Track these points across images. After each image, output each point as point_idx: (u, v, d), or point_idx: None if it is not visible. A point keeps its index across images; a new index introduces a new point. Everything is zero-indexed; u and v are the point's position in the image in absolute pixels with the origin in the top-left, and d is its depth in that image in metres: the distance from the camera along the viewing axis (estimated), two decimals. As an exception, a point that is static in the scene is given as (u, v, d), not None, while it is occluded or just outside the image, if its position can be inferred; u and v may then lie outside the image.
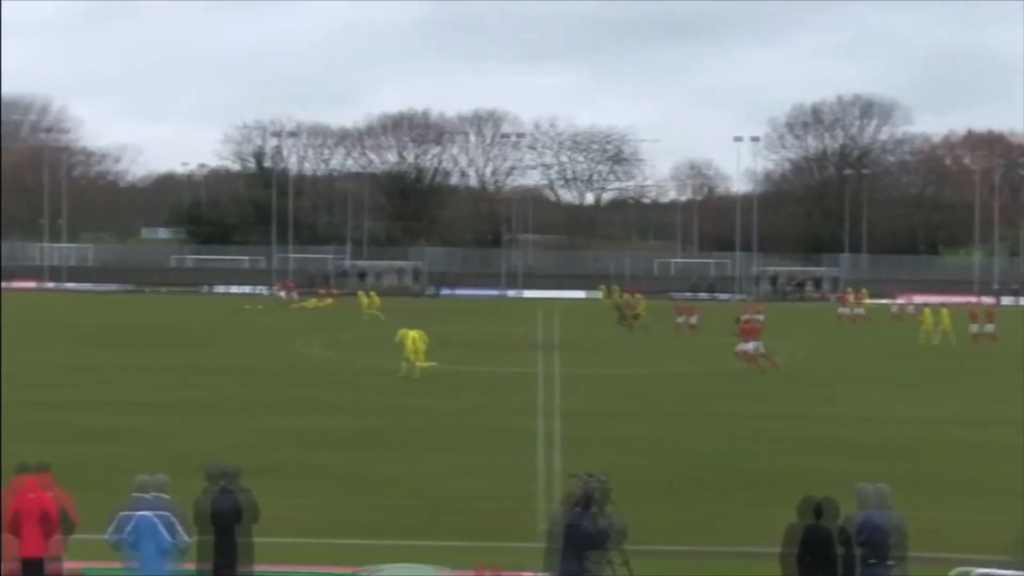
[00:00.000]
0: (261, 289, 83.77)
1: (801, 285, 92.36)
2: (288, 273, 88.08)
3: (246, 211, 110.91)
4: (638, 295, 59.38)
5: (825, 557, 9.87)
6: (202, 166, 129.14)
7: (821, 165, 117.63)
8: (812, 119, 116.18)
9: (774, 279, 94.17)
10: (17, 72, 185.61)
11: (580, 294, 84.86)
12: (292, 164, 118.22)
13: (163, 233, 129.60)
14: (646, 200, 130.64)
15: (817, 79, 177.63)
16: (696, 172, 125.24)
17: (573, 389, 29.04)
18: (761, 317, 44.13)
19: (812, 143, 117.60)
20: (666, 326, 48.05)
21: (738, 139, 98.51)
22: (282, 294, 65.18)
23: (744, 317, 40.59)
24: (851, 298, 60.53)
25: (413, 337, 31.43)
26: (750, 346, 34.56)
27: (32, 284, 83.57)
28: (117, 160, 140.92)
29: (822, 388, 30.29)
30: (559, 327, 51.07)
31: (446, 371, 32.49)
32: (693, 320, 47.94)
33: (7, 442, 20.10)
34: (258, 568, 11.19)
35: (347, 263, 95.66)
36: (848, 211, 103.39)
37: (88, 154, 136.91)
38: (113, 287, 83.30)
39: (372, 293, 60.41)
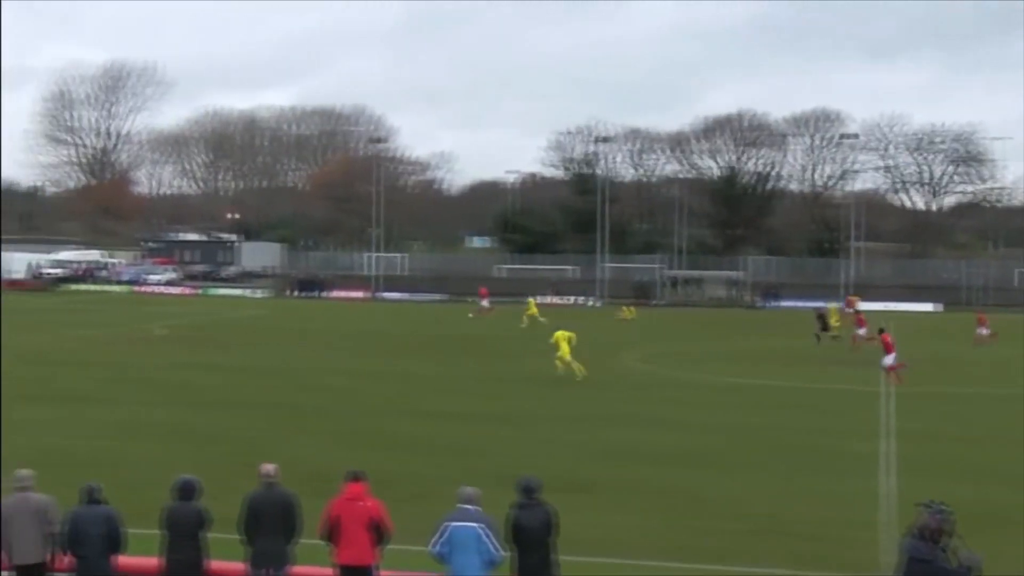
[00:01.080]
0: (589, 299, 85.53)
1: None
2: (604, 283, 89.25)
3: (566, 219, 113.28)
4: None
5: None
6: (525, 174, 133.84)
7: None
8: None
9: None
10: (348, 83, 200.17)
11: (925, 307, 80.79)
12: (612, 170, 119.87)
13: (481, 242, 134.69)
14: (996, 204, 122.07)
15: None
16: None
17: (912, 409, 27.65)
18: None
19: None
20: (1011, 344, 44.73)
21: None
22: (485, 303, 66.49)
23: None
24: None
25: (568, 337, 33.95)
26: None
27: (359, 294, 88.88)
28: (435, 169, 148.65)
29: None
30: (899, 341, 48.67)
31: (772, 387, 31.90)
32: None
33: (333, 450, 21.61)
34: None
35: (668, 272, 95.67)
36: None
37: (409, 163, 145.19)
38: (433, 297, 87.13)
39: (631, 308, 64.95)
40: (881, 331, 36.75)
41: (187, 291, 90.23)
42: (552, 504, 11.25)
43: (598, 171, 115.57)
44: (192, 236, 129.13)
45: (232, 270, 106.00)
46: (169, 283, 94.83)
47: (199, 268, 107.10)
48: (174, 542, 11.15)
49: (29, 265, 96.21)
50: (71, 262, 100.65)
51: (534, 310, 58.84)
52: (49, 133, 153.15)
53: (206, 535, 11.22)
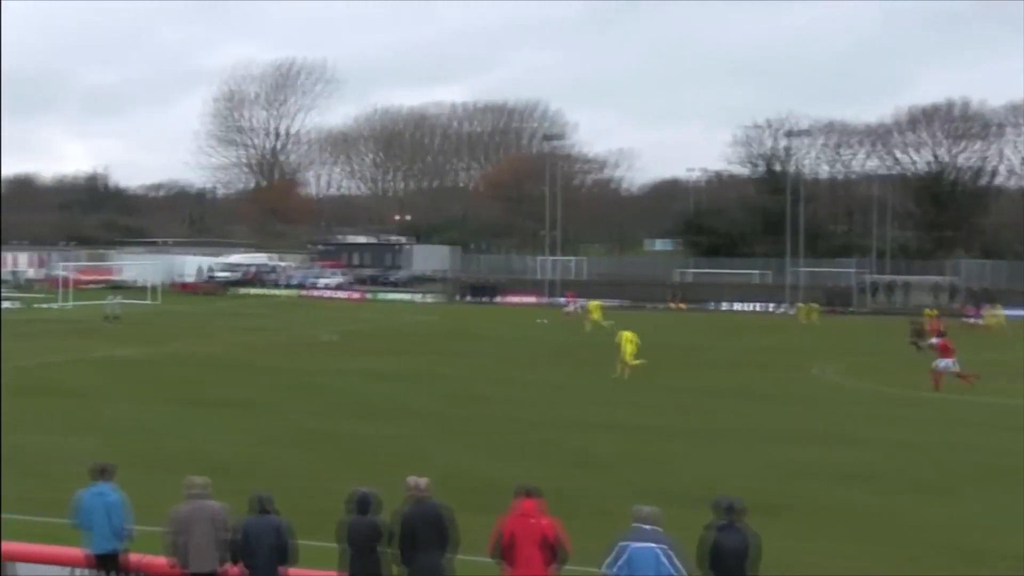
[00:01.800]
0: (780, 306, 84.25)
1: None
2: (796, 289, 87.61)
3: (754, 220, 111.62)
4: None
5: None
6: (709, 171, 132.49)
7: None
8: None
9: None
10: (523, 78, 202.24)
11: None
12: (804, 166, 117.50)
13: (663, 244, 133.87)
14: None
15: None
16: None
17: None
18: None
19: None
20: None
21: None
22: (570, 308, 65.65)
23: None
24: None
25: (631, 339, 36.79)
26: None
27: (532, 299, 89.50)
28: (614, 167, 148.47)
29: None
30: None
31: (980, 403, 30.85)
32: None
33: (502, 463, 21.92)
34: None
35: (867, 277, 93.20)
36: None
37: (586, 161, 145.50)
38: (611, 303, 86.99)
39: (813, 305, 66.43)
40: (941, 335, 38.33)
41: (355, 296, 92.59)
42: (752, 527, 11.10)
43: (789, 168, 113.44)
44: (360, 239, 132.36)
45: (401, 274, 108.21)
46: (337, 287, 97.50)
47: (367, 272, 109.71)
48: (354, 557, 11.47)
49: (200, 268, 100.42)
50: (240, 265, 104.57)
51: (597, 314, 59.66)
52: (219, 134, 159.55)
53: (384, 550, 11.48)
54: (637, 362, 36.77)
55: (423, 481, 11.74)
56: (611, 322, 55.18)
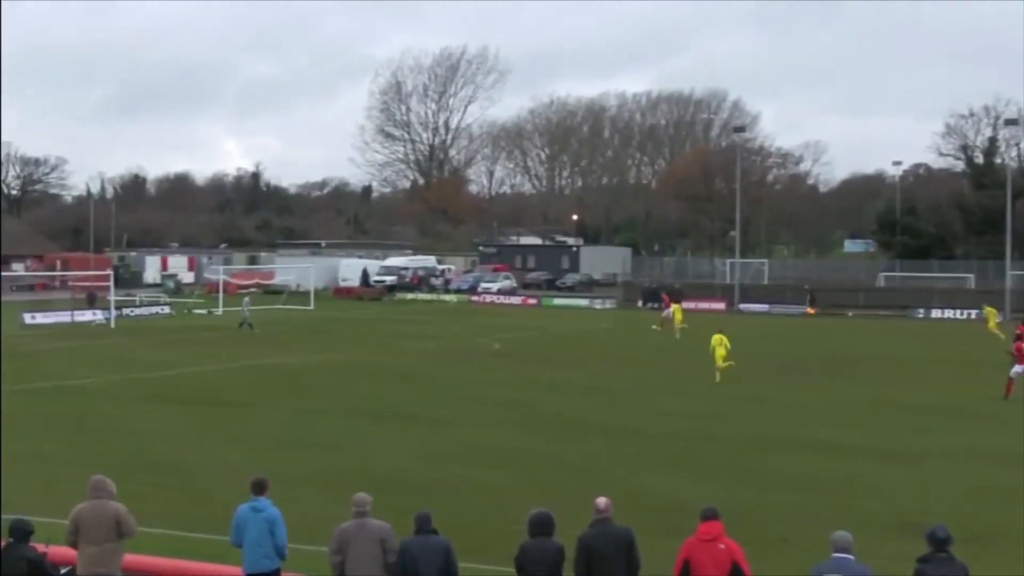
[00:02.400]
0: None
1: None
2: (1014, 294, 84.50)
3: (964, 218, 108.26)
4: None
5: None
6: (913, 165, 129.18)
7: None
8: None
9: None
10: (707, 66, 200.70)
11: None
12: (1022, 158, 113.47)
13: (860, 246, 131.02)
14: None
15: None
16: None
17: None
18: None
19: None
20: None
21: None
22: (667, 313, 64.03)
23: None
24: None
25: (722, 341, 38.75)
26: None
27: (716, 305, 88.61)
28: (806, 161, 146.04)
29: None
30: None
31: None
32: None
33: (685, 482, 21.85)
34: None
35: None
36: None
37: (775, 155, 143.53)
38: (801, 309, 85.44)
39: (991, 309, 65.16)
40: (1018, 337, 38.03)
41: (525, 301, 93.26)
42: (963, 561, 10.90)
43: (1006, 160, 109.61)
44: (530, 240, 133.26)
45: (574, 278, 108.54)
46: (505, 292, 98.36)
47: (537, 276, 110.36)
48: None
49: (361, 272, 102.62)
50: (403, 268, 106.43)
51: (679, 316, 60.54)
52: (383, 128, 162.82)
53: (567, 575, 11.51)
54: (726, 364, 38.65)
55: (603, 501, 11.79)
56: (684, 326, 58.22)
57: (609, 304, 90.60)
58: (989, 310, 65.12)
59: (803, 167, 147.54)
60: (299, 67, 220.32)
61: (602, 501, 11.79)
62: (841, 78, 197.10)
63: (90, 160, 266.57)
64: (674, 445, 25.98)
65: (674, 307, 63.34)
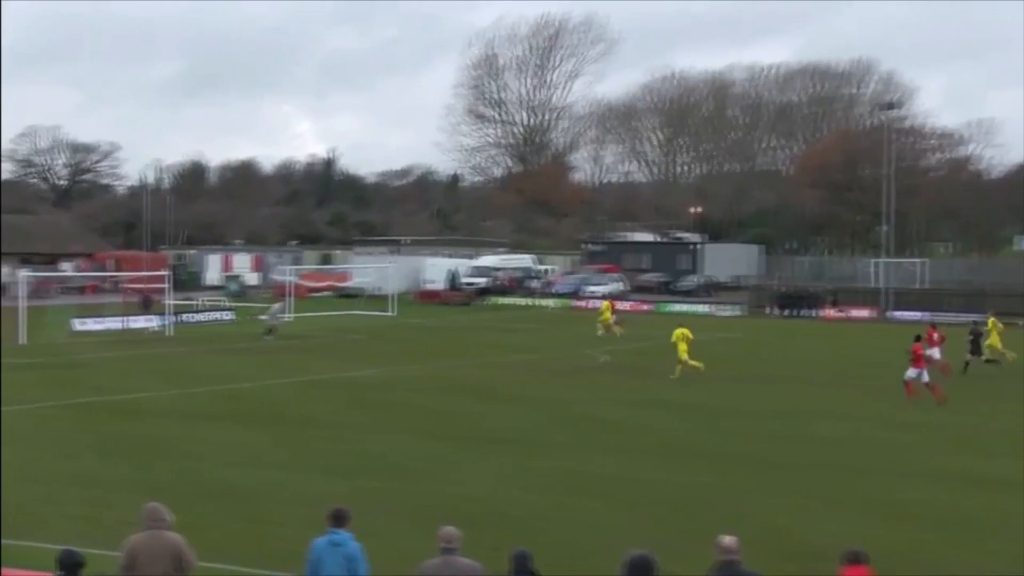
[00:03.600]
0: None
1: None
2: None
3: None
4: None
5: None
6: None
7: None
8: None
9: None
10: (854, 32, 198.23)
11: None
12: None
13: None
14: None
15: None
16: None
17: None
18: None
19: None
20: None
21: None
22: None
23: None
24: None
25: (685, 335, 43.41)
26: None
27: (863, 313, 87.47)
28: (972, 143, 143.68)
29: None
30: None
31: None
32: None
33: (822, 519, 21.77)
34: None
35: None
36: None
37: (933, 136, 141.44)
38: (968, 317, 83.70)
39: None
40: (917, 338, 41.19)
41: (637, 307, 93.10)
42: None
43: None
44: (643, 236, 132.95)
45: (693, 280, 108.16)
46: (614, 297, 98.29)
47: (651, 278, 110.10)
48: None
49: (450, 273, 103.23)
50: (496, 269, 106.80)
51: (608, 316, 65.05)
52: (473, 108, 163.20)
53: None
54: (695, 363, 41.91)
55: (732, 541, 11.83)
56: (620, 330, 62.69)
57: (735, 311, 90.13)
58: None
59: (968, 150, 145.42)
60: (386, 39, 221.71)
61: (729, 540, 11.80)
62: (1016, 46, 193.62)
63: (146, 146, 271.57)
64: (819, 477, 25.78)
65: (604, 304, 67.99)
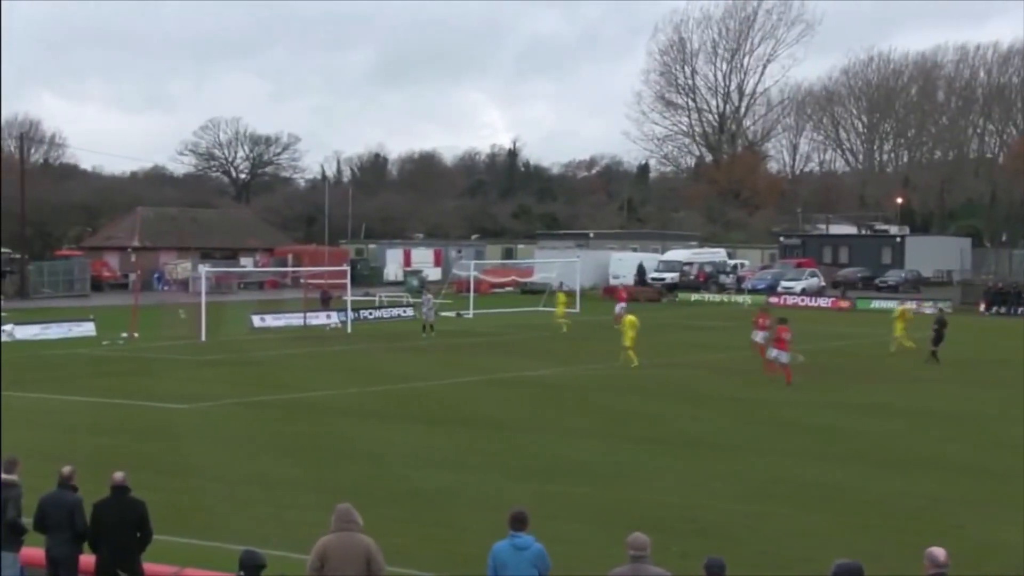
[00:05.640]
0: None
1: None
2: None
3: None
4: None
5: None
6: None
7: None
8: None
9: None
10: None
11: None
12: None
13: None
14: None
15: None
16: None
17: None
18: None
19: None
20: None
21: None
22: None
23: None
24: None
25: (633, 322, 46.15)
26: None
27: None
28: None
29: None
30: None
31: None
32: None
33: None
34: None
35: None
36: None
37: None
38: None
39: None
40: (783, 321, 44.19)
41: (835, 303, 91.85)
42: None
43: None
44: (843, 229, 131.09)
45: (897, 275, 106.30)
46: (811, 292, 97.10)
47: (851, 272, 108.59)
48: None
49: (640, 267, 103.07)
50: (686, 263, 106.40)
51: (561, 310, 65.93)
52: (663, 95, 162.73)
53: None
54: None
55: (939, 552, 11.62)
56: (566, 322, 64.39)
57: (943, 307, 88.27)
58: None
59: None
60: (589, 22, 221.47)
61: (938, 552, 11.58)
62: None
63: (328, 137, 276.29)
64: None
65: (559, 295, 68.80)
